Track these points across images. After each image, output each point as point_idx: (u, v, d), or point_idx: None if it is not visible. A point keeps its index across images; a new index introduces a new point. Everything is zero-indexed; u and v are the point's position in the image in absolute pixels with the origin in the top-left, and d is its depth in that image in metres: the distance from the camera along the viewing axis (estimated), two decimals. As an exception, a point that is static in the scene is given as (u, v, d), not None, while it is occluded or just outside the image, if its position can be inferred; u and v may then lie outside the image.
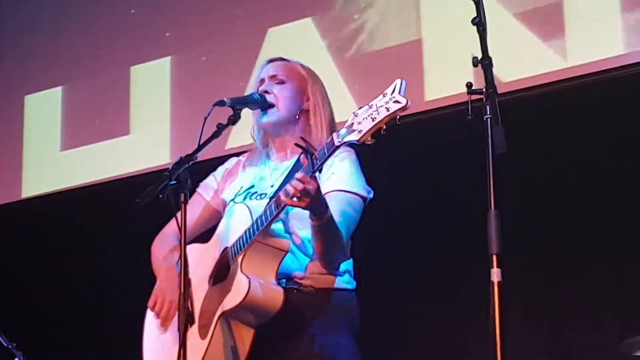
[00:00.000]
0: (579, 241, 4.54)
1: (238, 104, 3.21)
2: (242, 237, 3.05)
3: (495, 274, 2.51)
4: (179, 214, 2.91)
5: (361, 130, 2.74)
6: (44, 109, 6.00)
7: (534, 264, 4.59)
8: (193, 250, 3.16)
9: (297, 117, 3.29)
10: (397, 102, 2.69)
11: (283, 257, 3.06)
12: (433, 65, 4.74)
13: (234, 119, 3.17)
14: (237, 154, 3.51)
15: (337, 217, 3.02)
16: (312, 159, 2.85)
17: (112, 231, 5.50)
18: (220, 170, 3.46)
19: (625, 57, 4.35)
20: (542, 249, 4.62)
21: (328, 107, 3.34)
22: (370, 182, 3.23)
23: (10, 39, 6.25)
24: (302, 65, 3.39)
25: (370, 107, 2.74)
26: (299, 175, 2.85)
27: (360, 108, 2.77)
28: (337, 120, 4.21)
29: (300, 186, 2.83)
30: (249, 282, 2.97)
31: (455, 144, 4.43)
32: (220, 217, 3.32)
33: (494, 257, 2.52)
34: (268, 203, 3.06)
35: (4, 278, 5.86)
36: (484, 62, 2.71)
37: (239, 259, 3.04)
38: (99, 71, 5.83)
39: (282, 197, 2.89)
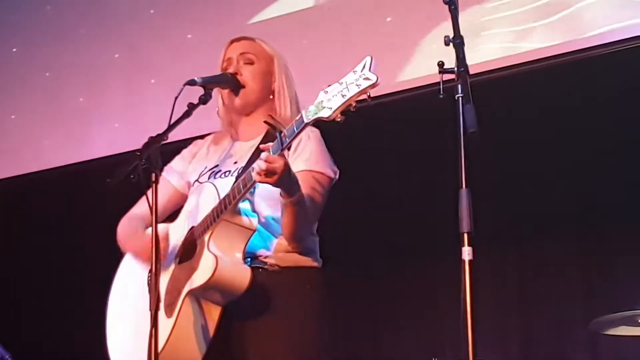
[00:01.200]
0: (549, 222, 4.57)
1: (209, 83, 3.19)
2: (209, 215, 3.04)
3: (466, 253, 2.51)
4: (149, 194, 2.89)
5: (331, 107, 2.73)
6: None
7: (505, 242, 4.61)
8: (160, 230, 3.14)
9: (265, 97, 3.29)
10: (367, 78, 2.69)
11: (250, 236, 3.05)
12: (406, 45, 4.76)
13: (204, 99, 3.15)
14: (203, 137, 3.48)
15: (305, 197, 3.02)
16: (281, 137, 2.84)
17: (82, 213, 5.48)
18: (185, 153, 3.43)
19: (598, 37, 4.37)
20: (513, 229, 4.64)
21: (292, 86, 3.33)
22: (339, 161, 3.23)
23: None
24: (266, 43, 3.38)
25: (341, 84, 2.73)
26: (264, 155, 2.84)
27: (329, 85, 2.76)
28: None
29: (266, 166, 2.83)
30: (216, 260, 2.96)
31: (427, 123, 4.43)
32: (186, 199, 3.32)
33: (465, 236, 2.53)
34: (235, 181, 3.05)
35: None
36: (456, 42, 2.71)
37: (206, 238, 3.02)
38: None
39: (252, 174, 2.88)
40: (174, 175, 3.38)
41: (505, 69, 4.51)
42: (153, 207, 2.87)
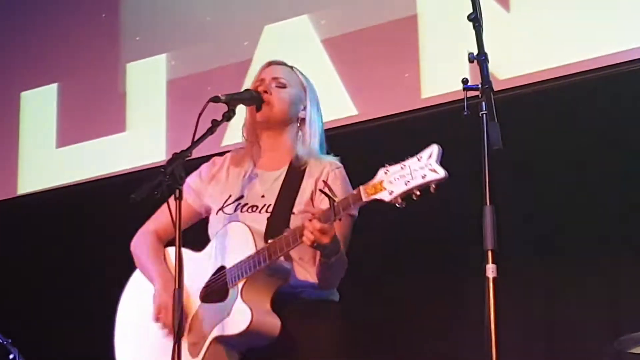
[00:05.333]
0: (574, 237, 4.53)
1: (233, 100, 3.18)
2: (245, 262, 3.01)
3: (490, 270, 2.51)
4: (171, 206, 2.90)
5: (392, 192, 2.72)
6: (39, 106, 6.00)
7: (529, 259, 4.58)
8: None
9: (290, 122, 3.28)
10: (433, 171, 2.67)
11: (281, 285, 3.05)
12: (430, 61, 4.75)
13: (228, 115, 3.15)
14: (222, 154, 3.46)
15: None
16: (335, 207, 2.83)
17: (107, 228, 5.49)
18: (203, 172, 3.38)
19: (622, 54, 4.35)
20: (537, 245, 4.61)
21: (321, 119, 3.34)
22: (362, 178, 3.21)
23: (6, 35, 6.25)
24: (302, 73, 3.38)
25: (403, 169, 2.72)
26: (318, 224, 2.83)
27: (391, 165, 2.76)
28: (332, 117, 4.26)
29: (319, 236, 2.83)
30: (252, 314, 2.95)
31: (451, 140, 4.41)
32: (200, 218, 3.32)
33: (489, 253, 2.52)
34: (269, 222, 3.07)
35: (0, 274, 5.87)
36: (480, 58, 2.71)
37: (240, 285, 3.00)
38: (95, 68, 5.83)
39: (303, 239, 2.87)
40: (190, 193, 3.32)
41: (530, 86, 4.49)
42: (177, 223, 2.86)
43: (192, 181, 3.35)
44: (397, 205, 2.72)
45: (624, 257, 4.44)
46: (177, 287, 2.82)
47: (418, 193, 2.70)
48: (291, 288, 3.10)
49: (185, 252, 3.15)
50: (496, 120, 2.60)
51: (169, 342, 3.07)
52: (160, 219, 3.33)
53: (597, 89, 4.43)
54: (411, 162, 2.71)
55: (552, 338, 4.57)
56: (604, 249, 4.49)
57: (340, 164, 3.21)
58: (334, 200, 2.83)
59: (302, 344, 3.07)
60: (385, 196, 2.73)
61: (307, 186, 3.17)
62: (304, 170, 3.19)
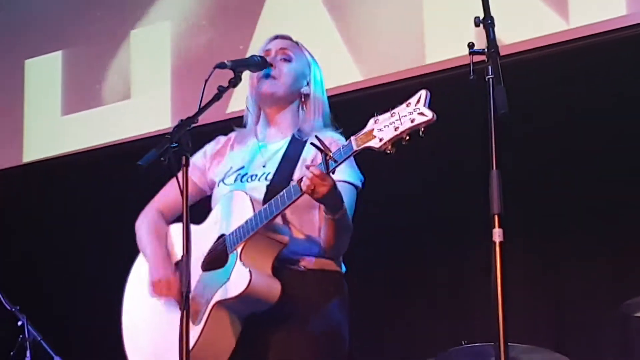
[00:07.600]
0: (580, 202, 4.54)
1: (239, 66, 3.19)
2: (243, 226, 3.02)
3: (497, 234, 2.51)
4: (179, 178, 2.89)
5: (382, 138, 2.72)
6: (44, 74, 5.99)
7: (534, 226, 4.59)
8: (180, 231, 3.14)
9: (293, 98, 3.29)
10: (422, 114, 2.68)
11: (281, 249, 3.05)
12: (434, 26, 4.73)
13: (234, 82, 3.15)
14: (225, 133, 3.46)
15: None
16: (327, 159, 2.84)
17: (113, 195, 5.51)
18: (208, 148, 3.41)
19: (628, 18, 4.32)
20: (542, 210, 4.62)
21: (324, 96, 3.35)
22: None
23: (10, 3, 6.23)
24: (307, 49, 3.39)
25: (392, 115, 2.72)
26: (315, 170, 2.84)
27: (380, 114, 2.76)
28: (336, 84, 4.25)
29: (315, 181, 2.83)
30: (250, 274, 2.96)
31: (457, 105, 4.41)
32: (205, 195, 3.33)
33: (496, 217, 2.52)
34: (267, 189, 3.07)
35: (6, 242, 5.89)
36: (486, 22, 2.70)
37: (239, 249, 3.02)
38: (99, 35, 5.81)
39: (302, 186, 2.87)
40: (195, 171, 3.33)
41: (539, 50, 4.47)
42: (184, 190, 2.87)
43: (196, 159, 3.37)
44: (387, 151, 2.73)
45: (629, 222, 4.45)
46: (185, 254, 2.83)
47: (407, 138, 2.70)
48: (292, 254, 3.10)
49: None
50: (502, 84, 2.59)
51: (170, 314, 3.13)
52: (165, 196, 3.37)
53: (605, 52, 4.41)
54: (400, 108, 2.72)
55: (558, 302, 4.60)
56: (608, 213, 4.50)
57: (341, 137, 3.21)
58: (326, 153, 2.84)
59: (302, 314, 3.07)
60: (375, 143, 2.73)
61: (307, 155, 3.17)
62: (306, 141, 3.19)
